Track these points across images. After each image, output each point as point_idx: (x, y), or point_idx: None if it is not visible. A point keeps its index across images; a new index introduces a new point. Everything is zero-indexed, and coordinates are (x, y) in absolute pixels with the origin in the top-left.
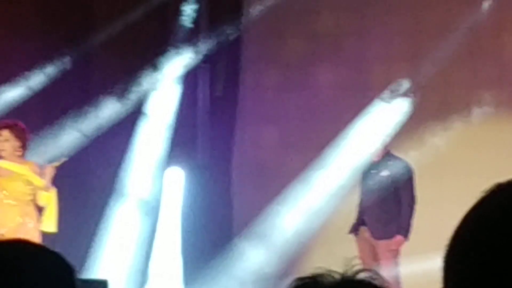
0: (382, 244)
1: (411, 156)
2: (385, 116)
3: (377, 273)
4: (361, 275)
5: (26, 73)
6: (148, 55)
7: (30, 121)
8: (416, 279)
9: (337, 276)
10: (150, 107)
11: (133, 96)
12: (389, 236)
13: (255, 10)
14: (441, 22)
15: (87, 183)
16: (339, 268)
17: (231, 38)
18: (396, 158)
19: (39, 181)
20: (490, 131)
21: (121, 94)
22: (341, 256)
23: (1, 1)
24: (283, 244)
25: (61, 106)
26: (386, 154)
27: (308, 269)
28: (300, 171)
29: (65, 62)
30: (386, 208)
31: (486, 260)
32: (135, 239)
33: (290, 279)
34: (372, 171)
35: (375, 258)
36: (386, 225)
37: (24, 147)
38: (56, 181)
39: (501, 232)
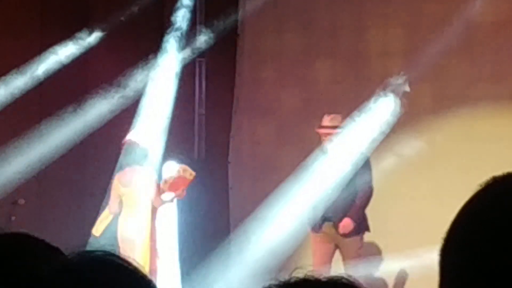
0: (348, 240)
1: (408, 150)
2: (382, 110)
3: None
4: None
5: (21, 67)
6: (145, 50)
7: (26, 116)
8: (415, 273)
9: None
10: (146, 102)
11: (129, 91)
12: (356, 232)
13: (251, 4)
14: (439, 15)
15: (83, 177)
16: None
17: (228, 32)
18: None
19: None
20: (488, 124)
21: (118, 88)
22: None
23: None
24: (280, 238)
25: (58, 100)
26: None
27: (306, 264)
28: (296, 166)
29: (61, 57)
30: (348, 201)
31: (482, 252)
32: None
33: (287, 275)
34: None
35: (331, 257)
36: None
37: None
38: (53, 177)
39: (496, 224)
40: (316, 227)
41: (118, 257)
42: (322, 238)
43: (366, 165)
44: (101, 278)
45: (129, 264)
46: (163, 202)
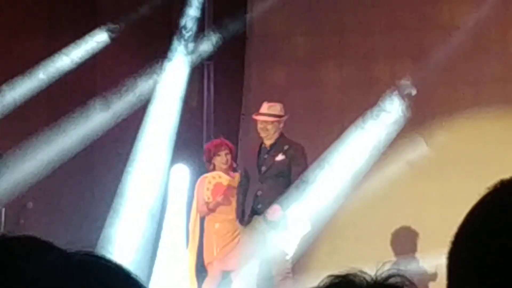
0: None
1: (417, 153)
2: (389, 112)
3: (408, 279)
4: (393, 280)
5: (30, 70)
6: (153, 53)
7: (34, 119)
8: (425, 275)
9: (368, 278)
10: (155, 105)
11: (138, 94)
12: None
13: (260, 7)
14: (446, 18)
15: (92, 180)
16: (347, 267)
17: (236, 35)
18: (290, 141)
19: None
20: (496, 127)
21: (126, 91)
22: (345, 253)
23: None
24: (290, 239)
25: (66, 103)
26: (280, 138)
27: (313, 267)
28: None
29: (69, 60)
30: (281, 195)
31: (490, 255)
32: (141, 237)
33: (295, 276)
34: (265, 156)
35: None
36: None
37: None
38: (62, 180)
39: (504, 228)
40: (244, 220)
41: (106, 259)
42: (250, 231)
43: (302, 158)
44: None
45: (117, 266)
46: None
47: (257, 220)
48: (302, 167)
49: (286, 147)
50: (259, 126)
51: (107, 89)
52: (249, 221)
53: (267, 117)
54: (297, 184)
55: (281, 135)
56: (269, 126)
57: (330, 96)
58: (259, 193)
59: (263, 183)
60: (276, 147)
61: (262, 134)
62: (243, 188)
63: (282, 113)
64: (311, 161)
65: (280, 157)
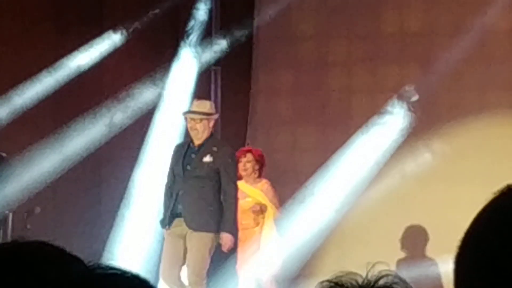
0: (195, 234)
1: (423, 159)
2: (395, 118)
3: (399, 278)
4: (383, 280)
5: (36, 76)
6: (160, 58)
7: (41, 124)
8: (433, 280)
9: (359, 280)
10: (162, 110)
11: (145, 99)
12: (207, 229)
13: (267, 12)
14: (454, 23)
15: (99, 186)
16: (354, 270)
17: (243, 40)
18: (219, 142)
19: (266, 200)
20: (503, 132)
21: (133, 97)
22: (353, 257)
23: (14, 3)
24: (297, 246)
25: (73, 108)
26: (209, 138)
27: (321, 272)
28: (312, 174)
29: (76, 66)
30: (206, 197)
31: (497, 261)
32: (148, 241)
33: (303, 281)
34: (192, 155)
35: (184, 251)
36: (202, 216)
37: (260, 169)
38: (69, 185)
39: (511, 232)
40: (166, 224)
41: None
42: (173, 233)
43: (232, 161)
44: None
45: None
46: None
47: (178, 222)
48: (231, 174)
49: (214, 148)
50: (188, 125)
51: (114, 94)
52: (170, 224)
53: (195, 115)
54: (299, 194)
55: (211, 135)
56: (198, 125)
57: (337, 101)
58: (180, 192)
59: (185, 183)
60: (204, 147)
61: (192, 134)
62: (169, 189)
63: (211, 111)
64: (319, 165)
65: (207, 158)
